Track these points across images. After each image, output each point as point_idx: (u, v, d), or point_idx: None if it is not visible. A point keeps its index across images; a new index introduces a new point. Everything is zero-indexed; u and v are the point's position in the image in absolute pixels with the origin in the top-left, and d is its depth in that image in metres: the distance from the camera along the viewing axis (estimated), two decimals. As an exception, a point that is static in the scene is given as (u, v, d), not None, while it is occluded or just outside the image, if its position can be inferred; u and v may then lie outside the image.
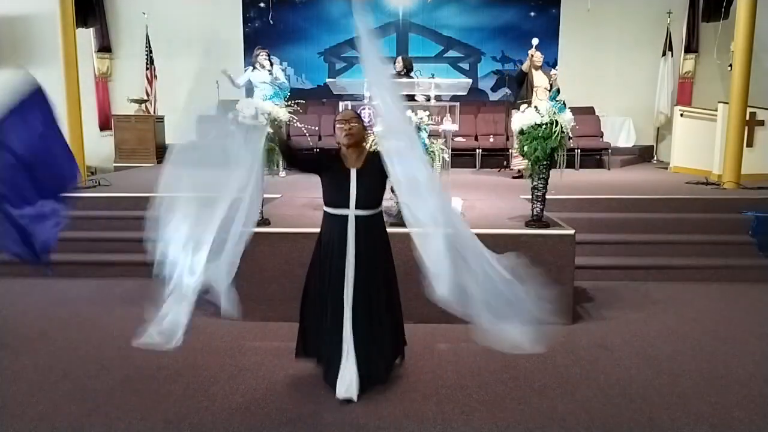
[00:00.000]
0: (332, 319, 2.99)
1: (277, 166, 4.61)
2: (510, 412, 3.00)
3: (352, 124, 2.88)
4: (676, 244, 5.61)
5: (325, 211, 3.01)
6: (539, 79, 7.53)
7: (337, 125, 2.92)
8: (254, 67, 7.73)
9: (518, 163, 7.70)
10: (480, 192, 6.35)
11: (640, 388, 3.26)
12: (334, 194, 2.93)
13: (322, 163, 3.01)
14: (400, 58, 7.55)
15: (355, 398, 2.97)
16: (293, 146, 3.13)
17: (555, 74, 7.68)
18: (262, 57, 7.65)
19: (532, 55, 7.49)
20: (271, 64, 7.68)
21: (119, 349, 3.78)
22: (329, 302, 3.00)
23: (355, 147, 2.93)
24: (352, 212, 2.89)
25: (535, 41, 7.49)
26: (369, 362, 3.02)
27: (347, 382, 2.97)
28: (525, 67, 7.63)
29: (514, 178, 7.89)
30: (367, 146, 4.36)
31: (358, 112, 5.35)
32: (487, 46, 10.91)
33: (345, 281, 2.94)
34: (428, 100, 5.60)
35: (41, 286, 5.12)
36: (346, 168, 2.90)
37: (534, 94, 7.50)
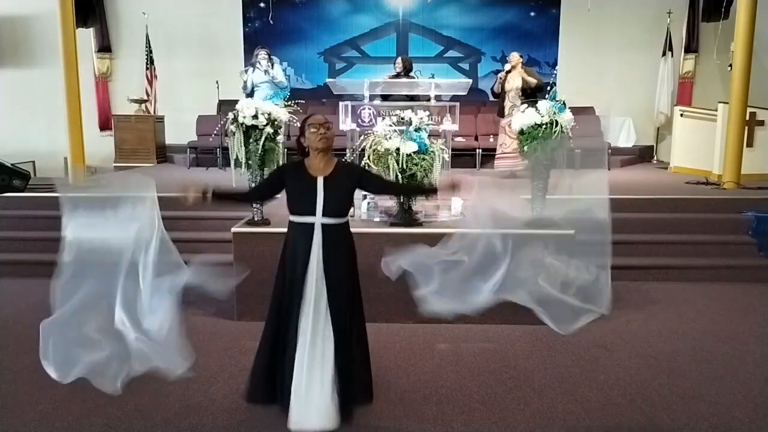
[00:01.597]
0: (295, 338, 2.72)
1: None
2: (510, 412, 3.00)
3: (326, 129, 2.75)
4: (676, 244, 5.62)
5: (290, 221, 2.87)
6: (511, 81, 7.48)
7: (310, 129, 2.76)
8: (254, 68, 7.70)
9: (501, 164, 7.66)
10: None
11: (640, 388, 3.26)
12: (299, 201, 2.79)
13: (284, 173, 2.86)
14: (400, 59, 7.54)
15: (333, 426, 2.64)
16: (236, 190, 2.84)
17: (514, 67, 7.58)
18: (261, 56, 7.62)
19: (502, 77, 7.56)
20: (271, 64, 7.63)
21: (119, 349, 3.78)
22: (292, 321, 2.75)
23: (325, 153, 2.79)
24: (318, 220, 2.73)
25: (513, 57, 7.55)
26: (346, 380, 2.71)
27: (319, 411, 2.62)
28: (496, 88, 7.68)
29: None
30: (368, 146, 4.42)
31: (358, 112, 5.37)
32: (487, 46, 10.90)
33: (306, 293, 2.72)
34: (428, 100, 5.59)
35: (41, 286, 5.08)
36: (312, 175, 2.78)
37: (506, 97, 7.47)
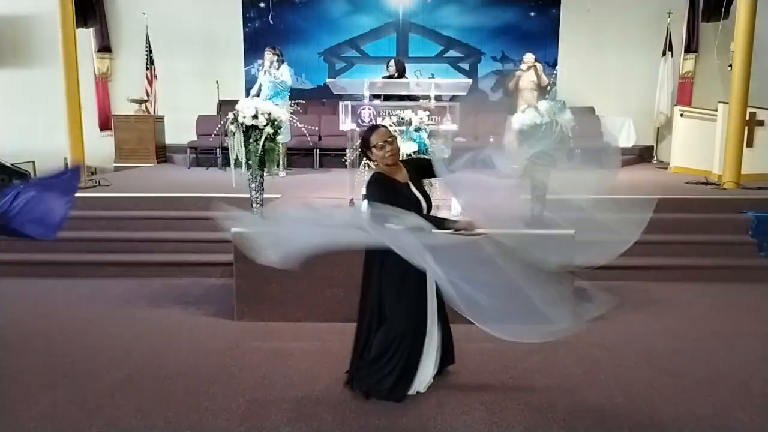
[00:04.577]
0: (419, 327, 3.05)
1: (277, 166, 4.62)
2: (510, 412, 3.00)
3: (392, 145, 2.92)
4: (676, 244, 5.61)
5: None
6: (525, 80, 7.52)
7: (377, 148, 2.90)
8: (260, 68, 7.74)
9: None
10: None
11: (640, 388, 3.26)
12: (408, 208, 2.85)
13: (390, 192, 2.93)
14: (393, 61, 7.47)
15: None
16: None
17: (539, 66, 7.69)
18: (265, 57, 7.61)
19: (519, 76, 7.61)
20: (278, 64, 7.56)
21: (119, 349, 3.79)
22: (423, 314, 3.05)
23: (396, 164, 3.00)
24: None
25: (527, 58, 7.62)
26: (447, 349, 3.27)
27: (425, 377, 3.12)
28: (512, 86, 7.69)
29: None
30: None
31: (358, 112, 5.37)
32: (487, 46, 10.90)
33: (429, 287, 3.00)
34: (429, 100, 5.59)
35: (41, 286, 5.12)
36: (401, 182, 2.97)
37: (520, 96, 7.50)
